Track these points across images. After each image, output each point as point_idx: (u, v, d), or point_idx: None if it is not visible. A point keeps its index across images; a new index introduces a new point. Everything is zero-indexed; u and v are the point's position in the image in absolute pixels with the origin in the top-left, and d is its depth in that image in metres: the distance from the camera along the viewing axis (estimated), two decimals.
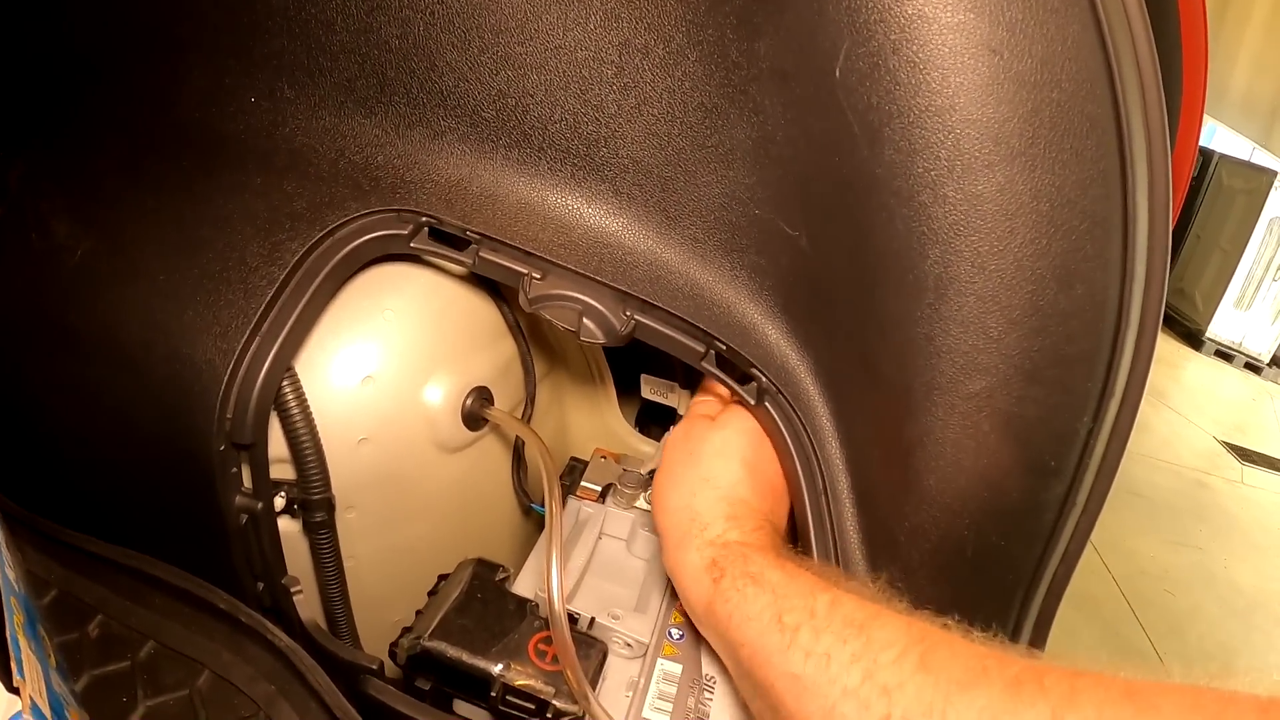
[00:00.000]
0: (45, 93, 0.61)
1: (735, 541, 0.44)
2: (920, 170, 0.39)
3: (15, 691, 0.42)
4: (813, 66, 0.41)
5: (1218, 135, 3.25)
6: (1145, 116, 0.42)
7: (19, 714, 0.41)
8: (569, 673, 0.43)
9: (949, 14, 0.37)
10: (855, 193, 0.43)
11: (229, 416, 0.46)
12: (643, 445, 0.68)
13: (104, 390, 0.51)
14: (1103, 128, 0.40)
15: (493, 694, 0.45)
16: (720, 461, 0.48)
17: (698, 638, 0.50)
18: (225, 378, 0.45)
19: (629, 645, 0.49)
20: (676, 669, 0.48)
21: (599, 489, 0.58)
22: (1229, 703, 0.26)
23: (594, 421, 0.66)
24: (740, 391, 0.49)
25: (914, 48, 0.38)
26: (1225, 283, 3.00)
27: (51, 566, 0.59)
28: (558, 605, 0.43)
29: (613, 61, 0.46)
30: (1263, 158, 3.10)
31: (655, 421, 0.71)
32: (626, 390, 0.67)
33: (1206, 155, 3.08)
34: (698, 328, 0.48)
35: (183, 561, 0.54)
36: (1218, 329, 3.16)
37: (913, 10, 0.37)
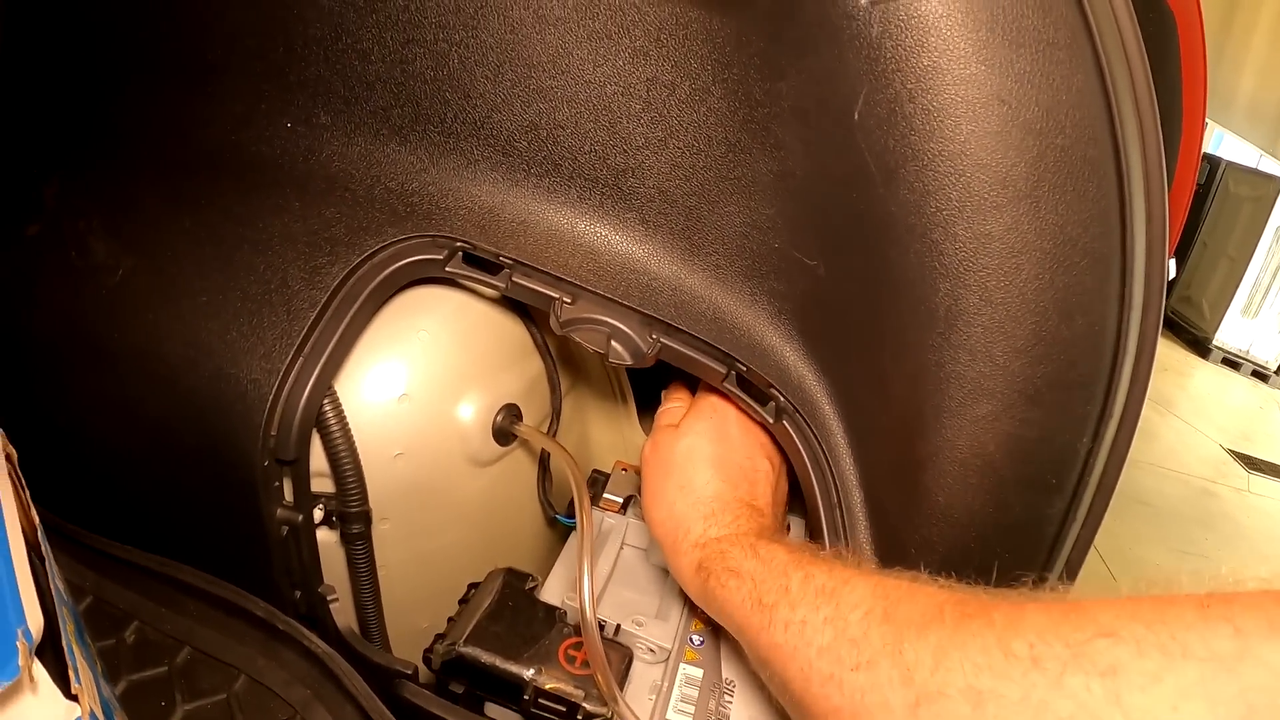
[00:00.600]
0: (79, 111, 0.64)
1: (714, 539, 0.49)
2: (933, 209, 0.44)
3: (74, 698, 0.46)
4: (832, 108, 0.46)
5: (1224, 142, 3.32)
6: (1144, 158, 0.47)
7: (78, 718, 0.45)
8: (599, 676, 0.48)
9: (962, 67, 0.41)
10: (871, 227, 0.47)
11: (273, 434, 0.50)
12: None
13: (145, 405, 0.55)
14: (1103, 170, 0.45)
15: (525, 697, 0.50)
16: (690, 467, 0.52)
17: (717, 644, 0.54)
18: (270, 397, 0.49)
19: (651, 651, 0.54)
20: (698, 673, 0.52)
21: (621, 500, 0.63)
22: (1168, 604, 0.29)
23: (614, 435, 0.71)
24: (760, 410, 0.53)
25: (929, 97, 0.42)
26: (1232, 290, 3.07)
27: (85, 573, 0.64)
28: (589, 613, 0.48)
29: (640, 96, 0.50)
30: (1270, 165, 3.17)
31: None
32: (644, 405, 0.71)
33: (1213, 163, 3.15)
34: (720, 350, 0.53)
35: (219, 569, 0.58)
36: (1225, 337, 3.23)
37: (929, 62, 0.42)
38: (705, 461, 0.52)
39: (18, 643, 0.43)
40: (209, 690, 0.57)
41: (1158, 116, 0.47)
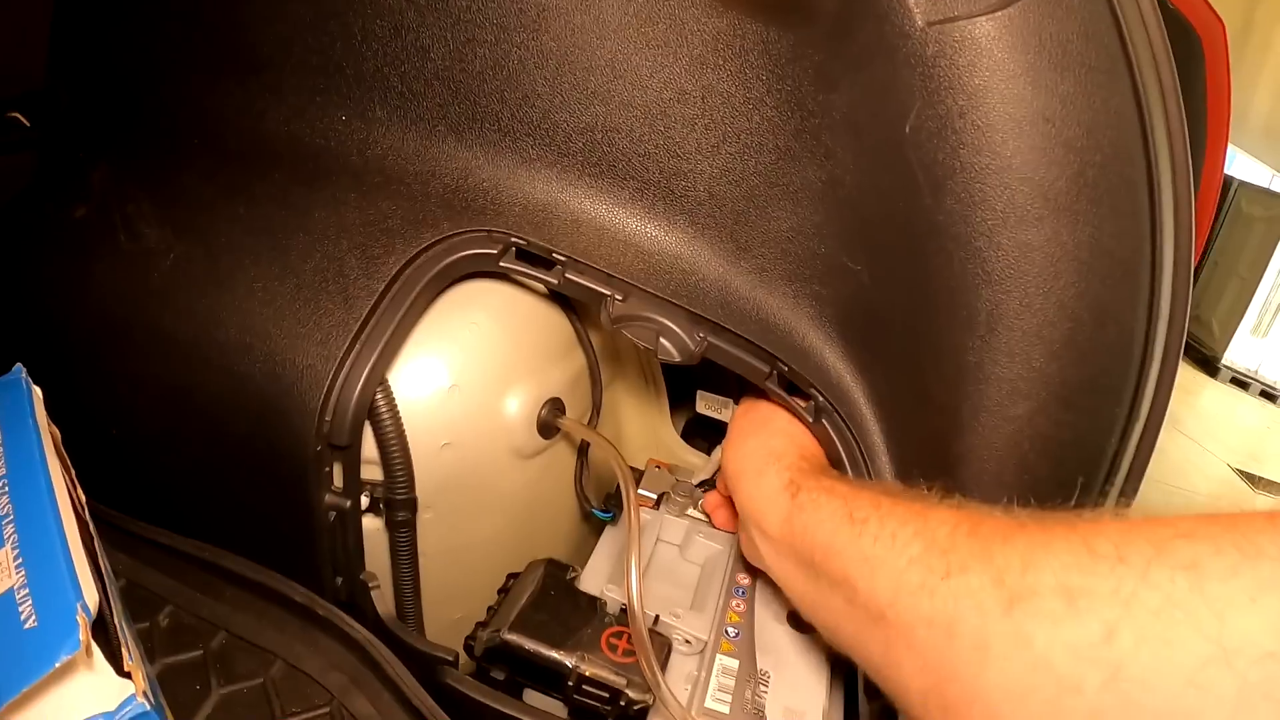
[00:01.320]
0: (127, 97, 0.68)
1: (805, 465, 0.53)
2: (978, 220, 0.49)
3: (126, 675, 0.49)
4: (884, 121, 0.50)
5: (1237, 162, 3.42)
6: (1173, 176, 0.51)
7: (132, 696, 0.48)
8: (644, 663, 0.52)
9: (1011, 86, 0.46)
10: (916, 235, 0.52)
11: (328, 419, 0.53)
12: (690, 456, 0.76)
13: (195, 390, 0.58)
14: (1137, 187, 0.50)
15: (569, 684, 0.54)
16: (789, 423, 0.58)
17: (751, 636, 0.58)
18: (327, 383, 0.53)
19: (688, 642, 0.58)
20: (734, 664, 0.56)
21: (655, 496, 0.67)
22: (1239, 516, 0.31)
23: (646, 431, 0.75)
24: (800, 409, 0.58)
25: (979, 114, 0.47)
26: (1242, 310, 3.16)
27: (117, 557, 0.67)
28: (637, 603, 0.51)
29: (696, 102, 0.55)
30: None
31: (701, 434, 0.79)
32: (674, 403, 0.76)
33: (1226, 182, 3.24)
34: (763, 350, 0.57)
35: (259, 555, 0.61)
36: (1234, 356, 3.32)
37: (980, 82, 0.46)
38: (789, 421, 0.58)
39: (78, 617, 0.46)
40: (245, 675, 0.60)
41: (1187, 138, 0.52)
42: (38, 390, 0.60)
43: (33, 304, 0.66)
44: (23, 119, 0.70)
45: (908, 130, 0.49)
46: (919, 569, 0.39)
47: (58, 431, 0.60)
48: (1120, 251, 0.50)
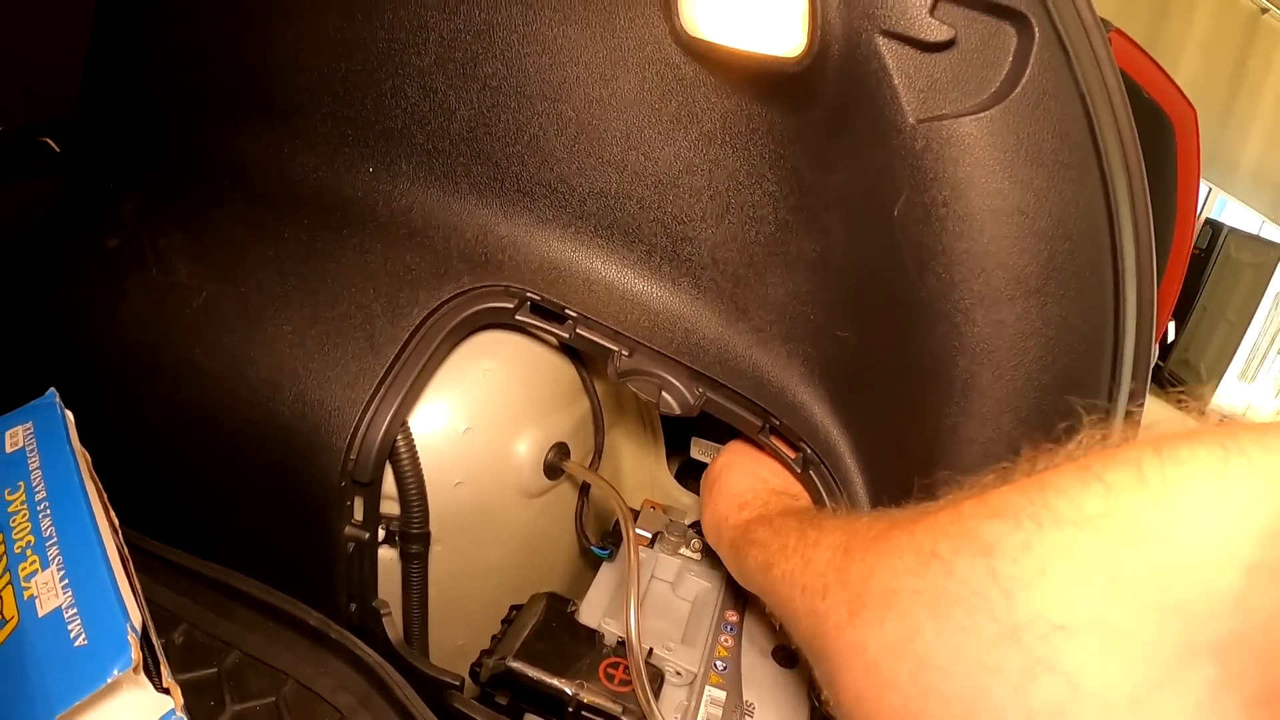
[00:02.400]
0: (160, 132, 0.72)
1: (744, 521, 0.59)
2: (957, 298, 0.54)
3: (166, 691, 0.53)
4: (875, 202, 0.56)
5: (1227, 208, 3.53)
6: (1137, 258, 0.57)
7: (172, 711, 0.52)
8: (640, 692, 0.57)
9: (990, 181, 0.52)
10: (901, 307, 0.57)
11: (353, 458, 0.58)
12: (683, 497, 0.81)
13: (222, 420, 0.63)
14: (1102, 270, 0.56)
15: (569, 710, 0.58)
16: (726, 474, 0.65)
17: (738, 669, 0.63)
18: (354, 423, 0.58)
19: (679, 674, 0.63)
20: (721, 695, 0.61)
21: (650, 535, 0.72)
22: (1055, 474, 0.32)
23: (642, 473, 0.80)
24: (790, 460, 0.63)
25: (961, 204, 0.52)
26: (1230, 355, 3.24)
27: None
28: (636, 637, 0.56)
29: (703, 175, 0.60)
30: (1271, 232, 3.38)
31: (693, 476, 0.84)
32: (668, 447, 0.81)
33: (1215, 228, 3.33)
34: (757, 405, 0.62)
35: (274, 579, 0.66)
36: (1222, 400, 3.40)
37: (963, 175, 0.52)
38: (738, 468, 0.64)
39: (129, 636, 0.51)
40: (258, 693, 0.65)
41: (1151, 222, 0.58)
42: (70, 414, 0.64)
43: (62, 329, 0.71)
44: (53, 144, 0.74)
45: (896, 213, 0.55)
46: (807, 597, 0.44)
47: (88, 455, 0.64)
48: (1085, 328, 0.56)
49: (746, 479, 0.63)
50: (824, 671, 0.42)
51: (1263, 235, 3.37)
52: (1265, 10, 3.24)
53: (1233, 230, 3.35)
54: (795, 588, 0.46)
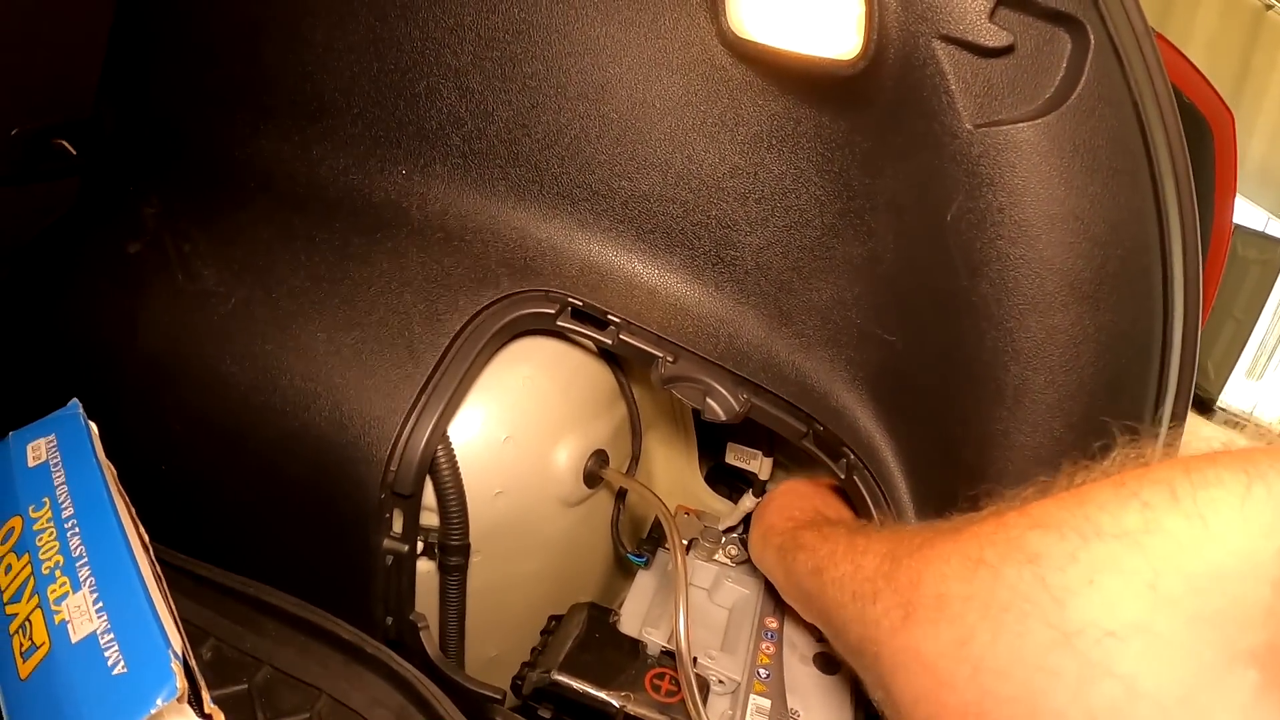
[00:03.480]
0: (182, 134, 0.71)
1: (791, 528, 0.61)
2: (1011, 304, 0.54)
3: (208, 718, 0.52)
4: (926, 208, 0.56)
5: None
6: (1184, 263, 0.58)
7: None
8: (690, 704, 0.56)
9: (1046, 187, 0.52)
10: (950, 312, 0.57)
11: (393, 470, 0.57)
12: (715, 503, 0.81)
13: (253, 431, 0.62)
14: (1152, 275, 0.56)
15: None
16: (781, 497, 0.67)
17: (781, 677, 0.63)
18: (395, 435, 0.57)
19: (722, 682, 0.63)
20: (766, 704, 0.62)
21: (685, 542, 0.72)
22: (1092, 489, 0.35)
23: (675, 479, 0.80)
24: (833, 466, 0.63)
25: (1017, 210, 0.52)
26: (1238, 352, 3.29)
27: None
28: (686, 648, 0.56)
29: (748, 178, 0.60)
30: (1278, 228, 3.44)
31: (724, 481, 0.84)
32: (703, 451, 0.80)
33: None
34: (801, 410, 0.62)
35: (306, 592, 0.65)
36: (1229, 398, 3.45)
37: (1020, 182, 0.52)
38: (794, 494, 0.67)
39: (173, 665, 0.50)
40: (291, 710, 0.64)
41: (1198, 229, 0.58)
42: (94, 426, 0.63)
43: (82, 337, 0.69)
44: (69, 146, 0.72)
45: (949, 219, 0.55)
46: (857, 603, 0.46)
47: (113, 468, 0.63)
48: (1135, 333, 0.57)
49: (799, 500, 0.65)
50: (877, 675, 0.43)
51: (1269, 232, 3.44)
52: (1270, 7, 3.29)
53: (1239, 227, 3.39)
54: (846, 593, 0.47)
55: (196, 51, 0.69)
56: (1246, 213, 3.56)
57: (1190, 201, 0.57)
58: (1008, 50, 0.51)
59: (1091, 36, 0.51)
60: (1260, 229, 3.49)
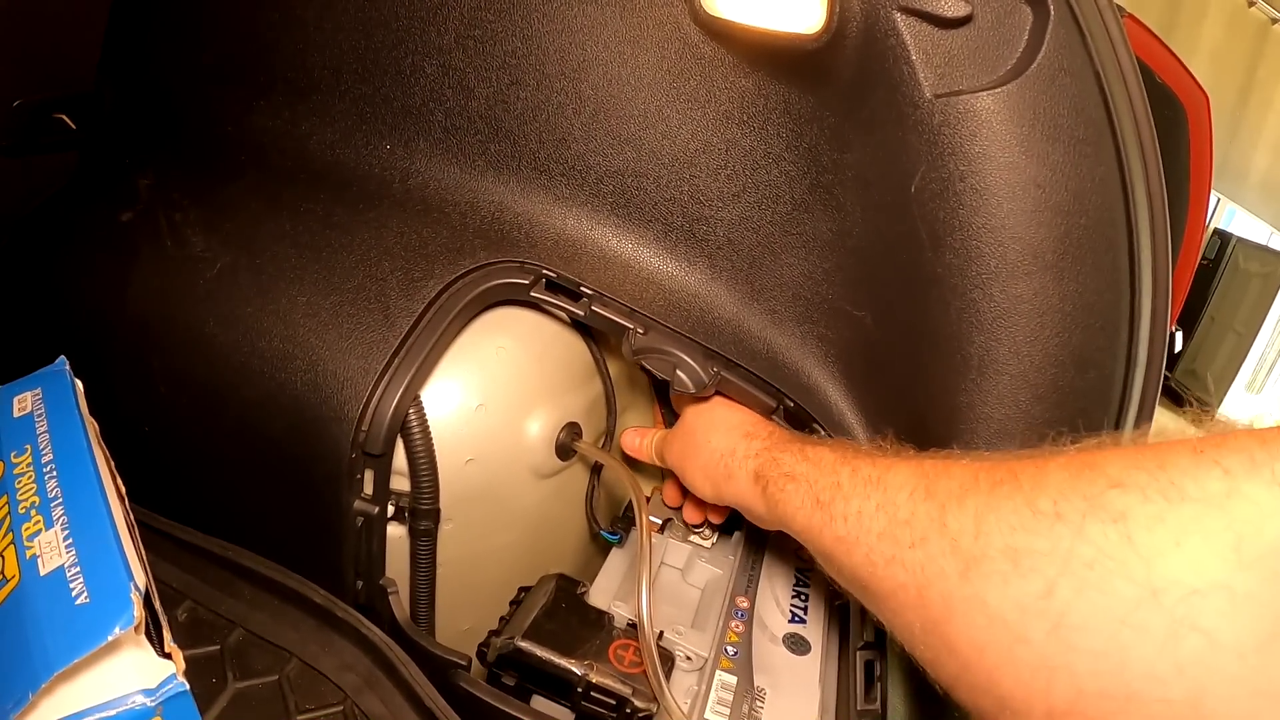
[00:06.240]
0: (177, 108, 0.74)
1: (763, 448, 0.58)
2: (973, 273, 0.55)
3: (168, 656, 0.53)
4: (892, 180, 0.57)
5: (1236, 219, 3.56)
6: (1152, 236, 0.58)
7: (173, 674, 0.52)
8: (650, 672, 0.57)
9: (1006, 155, 0.53)
10: (917, 284, 0.58)
11: (364, 429, 0.59)
12: None
13: (233, 392, 0.64)
14: (1117, 246, 0.57)
15: (578, 691, 0.58)
16: (711, 413, 0.64)
17: (749, 654, 0.64)
18: (366, 394, 0.58)
19: (688, 658, 0.63)
20: (732, 680, 0.62)
21: (660, 522, 0.72)
22: (1167, 451, 0.35)
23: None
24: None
25: (978, 178, 0.53)
26: (1238, 365, 3.27)
27: None
28: (647, 618, 0.57)
29: (719, 154, 0.61)
30: None
31: None
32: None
33: (1224, 238, 3.38)
34: (771, 385, 0.63)
35: (280, 555, 0.66)
36: (1229, 411, 3.41)
37: (980, 149, 0.53)
38: (721, 406, 0.63)
39: (132, 594, 0.51)
40: (261, 671, 0.65)
41: (1166, 201, 0.59)
42: (79, 383, 0.65)
43: (74, 301, 0.72)
44: (68, 120, 0.76)
45: (913, 189, 0.56)
46: (887, 543, 0.45)
47: (96, 424, 0.65)
48: (1101, 305, 0.57)
49: (734, 413, 0.62)
50: (922, 620, 0.43)
51: (1271, 245, 3.41)
52: (1276, 20, 3.29)
53: (1241, 240, 3.38)
54: (870, 533, 0.46)
55: (194, 29, 0.72)
56: (1249, 226, 3.54)
57: (1158, 173, 0.57)
58: (966, 20, 0.52)
59: (1051, 8, 0.52)
60: (1263, 242, 3.47)
